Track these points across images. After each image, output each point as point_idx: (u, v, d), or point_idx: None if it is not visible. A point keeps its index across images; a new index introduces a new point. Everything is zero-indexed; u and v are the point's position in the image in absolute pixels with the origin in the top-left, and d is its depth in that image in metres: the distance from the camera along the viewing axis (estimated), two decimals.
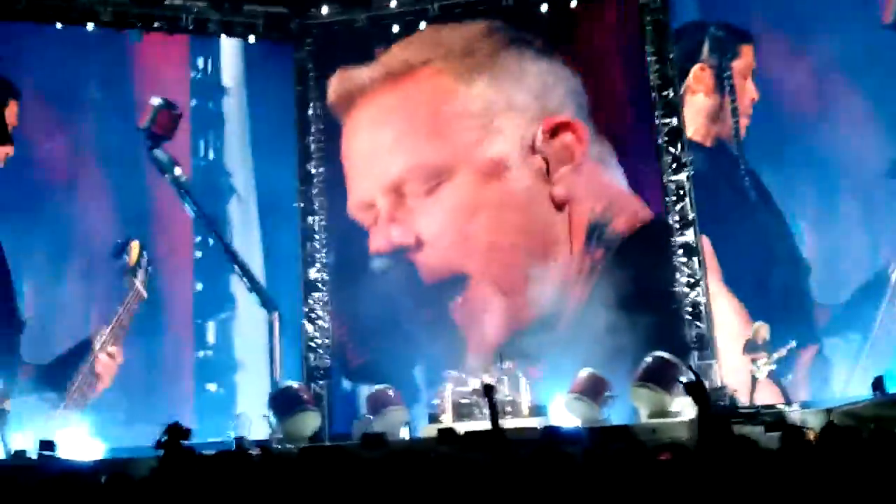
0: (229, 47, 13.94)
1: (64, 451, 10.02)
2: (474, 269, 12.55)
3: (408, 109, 13.28)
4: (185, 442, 8.19)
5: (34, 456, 9.66)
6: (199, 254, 13.29)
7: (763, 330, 11.18)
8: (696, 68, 12.69)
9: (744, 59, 12.40)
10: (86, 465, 9.42)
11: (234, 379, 12.89)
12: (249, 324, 13.14)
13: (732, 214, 12.22)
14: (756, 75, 12.34)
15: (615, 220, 12.45)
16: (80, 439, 11.01)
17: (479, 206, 12.77)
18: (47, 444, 9.72)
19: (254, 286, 13.01)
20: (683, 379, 6.65)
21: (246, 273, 13.04)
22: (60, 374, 11.98)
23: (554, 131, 12.78)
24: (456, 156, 12.91)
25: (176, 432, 8.38)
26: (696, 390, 4.89)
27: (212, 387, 12.69)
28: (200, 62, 13.82)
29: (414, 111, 13.25)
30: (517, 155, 12.79)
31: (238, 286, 13.20)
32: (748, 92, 12.32)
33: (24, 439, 10.29)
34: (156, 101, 13.06)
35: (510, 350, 11.44)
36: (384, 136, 13.26)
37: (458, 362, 11.86)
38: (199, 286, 13.18)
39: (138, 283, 12.62)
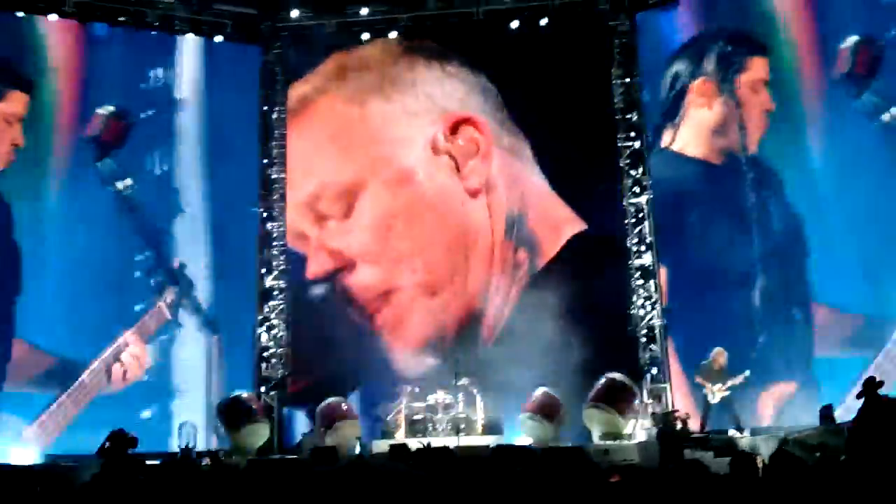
0: (190, 50, 13.60)
1: (3, 456, 9.65)
2: (404, 280, 12.82)
3: (312, 135, 13.53)
4: (131, 450, 7.99)
5: None
6: (139, 273, 12.64)
7: (721, 357, 11.31)
8: (697, 82, 12.65)
9: (753, 72, 12.31)
10: (20, 470, 9.10)
11: (171, 406, 12.23)
12: (192, 346, 12.61)
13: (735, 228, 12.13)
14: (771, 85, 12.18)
15: (530, 213, 12.76)
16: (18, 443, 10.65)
17: (395, 216, 13.04)
18: None
19: (195, 308, 12.49)
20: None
21: (187, 294, 12.56)
22: None
23: (454, 128, 13.11)
24: (362, 173, 13.12)
25: (120, 440, 8.15)
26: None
27: (146, 413, 12.04)
28: (159, 72, 13.34)
29: (317, 135, 13.50)
30: (423, 158, 13.10)
31: (184, 307, 12.72)
32: (760, 103, 12.27)
33: None
34: (104, 109, 12.53)
35: (465, 366, 11.38)
36: (299, 161, 13.54)
37: (390, 376, 12.06)
38: (138, 307, 12.51)
39: (162, 303, 12.38)
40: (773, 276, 11.74)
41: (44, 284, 11.91)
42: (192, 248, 12.97)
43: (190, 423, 11.07)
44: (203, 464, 9.36)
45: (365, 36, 13.49)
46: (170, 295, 12.54)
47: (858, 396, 7.94)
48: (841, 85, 11.52)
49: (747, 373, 10.90)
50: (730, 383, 10.89)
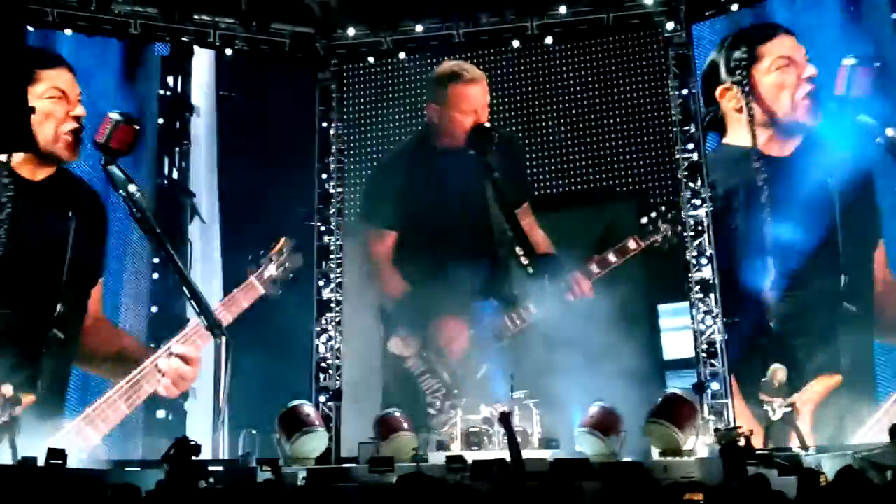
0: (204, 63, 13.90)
1: (72, 460, 9.97)
2: None
3: None
4: (194, 457, 8.20)
5: (42, 463, 9.61)
6: (156, 275, 12.92)
7: (780, 372, 11.03)
8: (717, 94, 12.75)
9: (766, 58, 12.42)
10: (92, 475, 9.39)
11: (185, 406, 12.47)
12: (206, 349, 12.67)
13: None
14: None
15: None
16: (88, 449, 10.99)
17: None
18: (56, 453, 9.68)
19: (202, 310, 12.36)
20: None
21: (194, 296, 12.45)
22: None
23: None
24: None
25: (184, 447, 8.38)
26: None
27: (161, 413, 12.24)
28: (170, 80, 13.66)
29: None
30: None
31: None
32: (779, 82, 12.29)
33: (33, 447, 10.25)
34: (114, 115, 12.72)
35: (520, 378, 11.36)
36: None
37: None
38: (154, 309, 12.86)
39: (253, 277, 12.46)
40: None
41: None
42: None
43: (250, 430, 11.25)
44: (262, 470, 9.53)
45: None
46: (271, 267, 12.52)
47: None
48: None
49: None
50: (791, 399, 10.61)
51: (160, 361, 12.25)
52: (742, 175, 12.56)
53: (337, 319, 13.33)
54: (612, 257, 12.57)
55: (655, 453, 10.57)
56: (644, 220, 12.54)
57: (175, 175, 13.59)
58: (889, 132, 11.44)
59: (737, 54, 12.61)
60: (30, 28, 12.58)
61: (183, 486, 7.54)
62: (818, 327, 11.62)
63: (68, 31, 13.12)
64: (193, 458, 8.38)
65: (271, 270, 12.79)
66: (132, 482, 5.95)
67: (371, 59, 14.19)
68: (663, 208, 12.64)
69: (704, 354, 11.89)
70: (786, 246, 11.91)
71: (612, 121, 13.41)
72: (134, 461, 10.72)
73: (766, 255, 12.08)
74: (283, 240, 12.85)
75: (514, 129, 13.69)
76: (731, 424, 11.15)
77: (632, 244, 12.55)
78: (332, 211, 13.72)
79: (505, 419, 5.17)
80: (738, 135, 12.78)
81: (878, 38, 11.84)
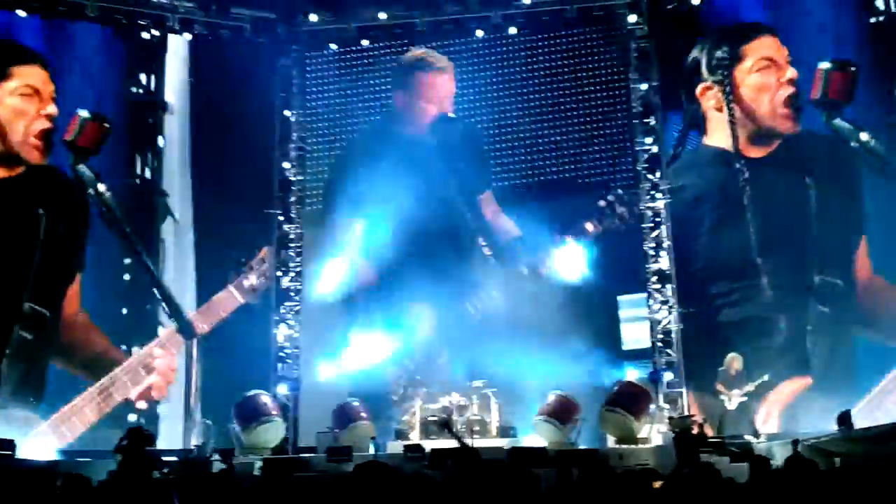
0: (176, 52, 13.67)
1: (22, 451, 9.76)
2: None
3: None
4: (148, 447, 8.08)
5: None
6: (126, 277, 12.76)
7: (736, 362, 11.24)
8: (698, 91, 12.90)
9: (749, 58, 12.60)
10: (42, 466, 9.20)
11: (157, 409, 12.29)
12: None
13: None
14: None
15: None
16: (38, 439, 10.76)
17: None
18: (5, 443, 9.47)
19: (172, 312, 12.17)
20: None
21: (165, 297, 12.23)
22: None
23: None
24: None
25: (137, 437, 8.24)
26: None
27: (132, 417, 11.88)
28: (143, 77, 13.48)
29: None
30: None
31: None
32: (760, 84, 12.48)
33: None
34: (83, 113, 12.30)
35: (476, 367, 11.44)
36: None
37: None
38: (125, 310, 12.69)
39: (232, 286, 12.33)
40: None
41: None
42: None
43: (206, 421, 11.12)
44: (214, 460, 9.44)
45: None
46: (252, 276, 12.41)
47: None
48: None
49: (765, 377, 10.86)
50: (746, 389, 10.84)
51: (157, 361, 11.99)
52: (721, 176, 12.73)
53: (296, 308, 13.21)
54: (570, 240, 12.62)
55: (611, 441, 10.72)
56: (602, 202, 12.63)
57: (148, 174, 13.41)
58: (863, 136, 11.67)
59: (719, 53, 12.71)
60: None
61: (135, 477, 7.43)
62: (789, 326, 11.85)
63: (21, 12, 12.75)
64: (147, 448, 8.25)
65: (252, 280, 12.62)
66: (83, 472, 5.85)
67: (334, 47, 14.05)
68: (620, 192, 12.74)
69: (660, 344, 12.08)
70: (762, 243, 12.11)
71: (574, 112, 13.49)
72: (86, 451, 10.51)
73: (739, 253, 12.25)
74: (264, 249, 12.66)
75: (477, 118, 13.69)
76: (685, 413, 11.35)
77: (589, 227, 12.63)
78: (291, 199, 13.57)
79: (446, 426, 5.21)
80: (718, 135, 12.96)
81: (854, 41, 12.06)
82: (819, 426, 10.02)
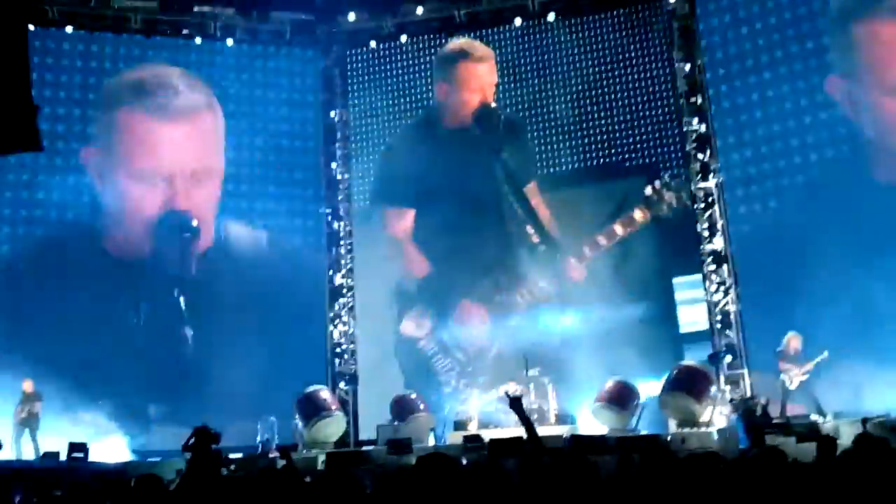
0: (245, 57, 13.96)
1: (94, 454, 10.10)
2: None
3: None
4: (214, 445, 8.26)
5: (64, 458, 9.75)
6: None
7: (794, 340, 11.00)
8: None
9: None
10: (114, 468, 9.50)
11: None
12: None
13: None
14: None
15: None
16: (108, 441, 11.12)
17: None
18: (78, 447, 9.80)
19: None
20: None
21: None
22: None
23: None
24: None
25: (204, 435, 8.43)
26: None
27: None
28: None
29: None
30: None
31: None
32: None
33: (55, 442, 10.39)
34: None
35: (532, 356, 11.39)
36: None
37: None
38: None
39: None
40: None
41: None
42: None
43: (270, 418, 11.34)
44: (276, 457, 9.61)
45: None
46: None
47: None
48: None
49: (825, 354, 10.60)
50: (806, 368, 10.60)
51: None
52: None
53: (350, 305, 13.38)
54: (618, 229, 12.51)
55: (672, 425, 10.58)
56: (648, 190, 12.46)
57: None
58: None
59: None
60: (31, 27, 12.61)
61: (204, 475, 7.61)
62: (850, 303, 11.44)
63: (69, 29, 13.14)
64: (213, 446, 8.44)
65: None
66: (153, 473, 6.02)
67: (373, 44, 14.14)
68: (667, 177, 12.55)
69: (719, 325, 11.87)
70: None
71: (618, 95, 13.31)
72: (153, 452, 10.83)
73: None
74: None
75: (519, 107, 13.63)
76: (748, 394, 11.15)
77: (638, 214, 12.47)
78: (339, 197, 13.73)
79: (515, 404, 5.18)
80: None
81: None
82: (887, 403, 9.73)
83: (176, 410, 11.85)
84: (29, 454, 10.37)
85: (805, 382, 10.81)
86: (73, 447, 9.76)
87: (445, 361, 12.65)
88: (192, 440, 8.40)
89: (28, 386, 10.80)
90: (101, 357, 12.04)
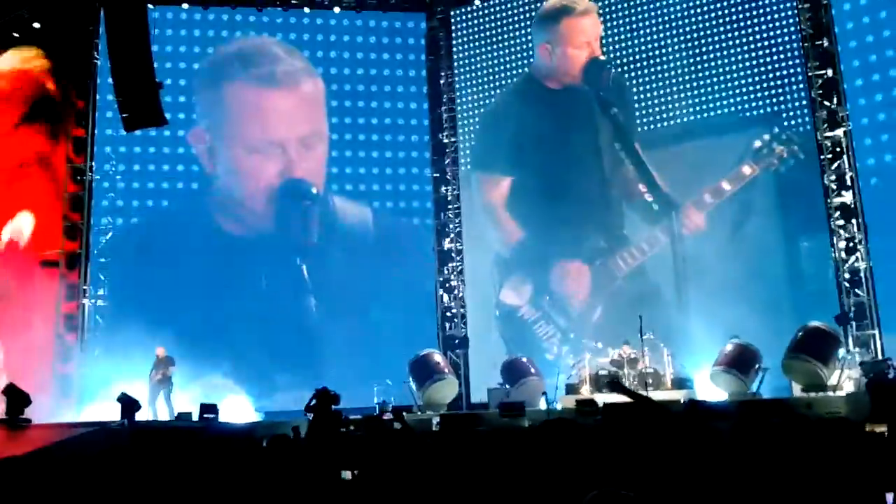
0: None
1: (224, 415, 10.66)
2: None
3: None
4: (334, 406, 8.56)
5: (196, 418, 10.33)
6: None
7: None
8: None
9: None
10: (243, 428, 9.99)
11: None
12: None
13: None
14: None
15: None
16: (235, 403, 11.72)
17: None
18: (209, 408, 10.36)
19: None
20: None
21: None
22: None
23: None
24: None
25: (325, 397, 8.75)
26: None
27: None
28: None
29: None
30: None
31: None
32: None
33: (187, 403, 11.04)
34: None
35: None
36: None
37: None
38: None
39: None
40: None
41: None
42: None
43: (387, 381, 11.62)
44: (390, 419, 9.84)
45: None
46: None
47: None
48: None
49: None
50: None
51: None
52: None
53: (459, 269, 13.46)
54: (725, 185, 11.94)
55: (797, 389, 10.11)
56: (758, 143, 11.80)
57: None
58: None
59: None
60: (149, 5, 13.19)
61: (325, 434, 7.90)
62: None
63: (185, 5, 13.63)
64: (333, 407, 8.74)
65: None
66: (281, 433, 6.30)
67: (477, 2, 13.95)
68: (776, 129, 11.84)
69: (847, 284, 11.20)
70: None
71: (736, 42, 12.58)
72: (277, 412, 11.33)
73: None
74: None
75: (627, 60, 13.13)
76: (879, 357, 10.50)
77: (746, 169, 11.86)
78: (447, 161, 13.75)
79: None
80: None
81: None
82: None
83: (297, 374, 12.33)
84: (164, 415, 11.06)
85: None
86: (205, 408, 10.32)
87: (547, 328, 12.53)
88: (314, 401, 8.74)
89: (161, 351, 11.48)
90: (228, 324, 12.66)
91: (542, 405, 10.50)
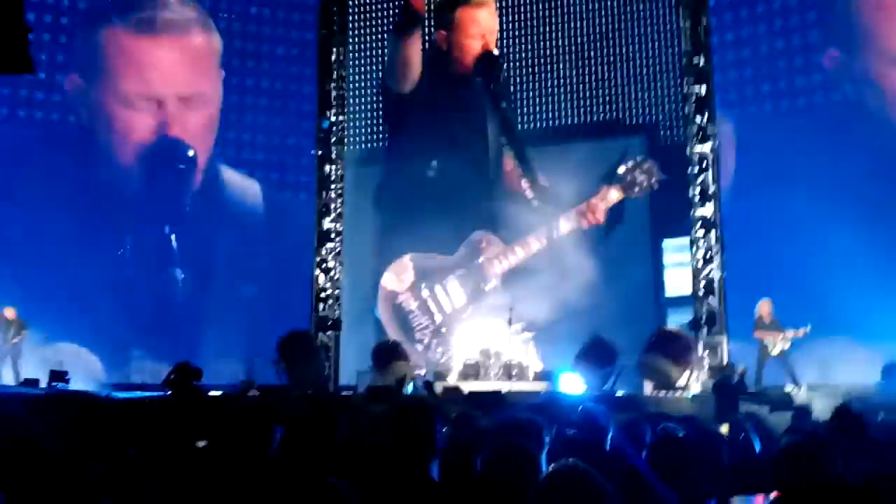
0: None
1: (74, 383, 10.14)
2: None
3: None
4: (195, 382, 8.30)
5: (44, 385, 9.79)
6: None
7: (765, 306, 11.06)
8: None
9: None
10: (94, 396, 9.54)
11: None
12: None
13: None
14: None
15: None
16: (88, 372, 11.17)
17: None
18: (58, 375, 9.83)
19: None
20: None
21: None
22: None
23: None
24: None
25: (184, 372, 8.47)
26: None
27: None
28: None
29: None
30: None
31: None
32: None
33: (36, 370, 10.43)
34: None
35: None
36: None
37: None
38: None
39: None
40: None
41: None
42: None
43: (253, 358, 11.40)
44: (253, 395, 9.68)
45: None
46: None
47: None
48: None
49: (808, 328, 10.69)
50: (791, 335, 10.70)
51: None
52: None
53: (337, 250, 13.33)
54: (596, 202, 12.24)
55: (649, 388, 10.70)
56: (621, 169, 12.29)
57: None
58: None
59: None
60: None
61: (184, 408, 7.66)
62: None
63: None
64: (193, 382, 8.47)
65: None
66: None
67: None
68: (639, 158, 12.36)
69: (702, 292, 11.93)
70: None
71: (624, 50, 13.09)
72: (133, 385, 10.90)
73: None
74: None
75: (521, 56, 13.37)
76: (724, 361, 11.27)
77: (613, 194, 12.27)
78: (333, 140, 13.55)
79: (428, 387, 5.25)
80: None
81: None
82: (856, 380, 9.87)
83: (158, 348, 11.89)
84: (8, 380, 10.41)
85: (785, 351, 10.92)
86: (54, 375, 9.79)
87: (422, 319, 12.61)
88: (173, 376, 8.44)
89: (10, 313, 10.77)
90: (84, 287, 11.98)
91: (411, 390, 10.60)
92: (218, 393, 10.09)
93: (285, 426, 4.90)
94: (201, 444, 4.54)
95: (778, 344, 10.84)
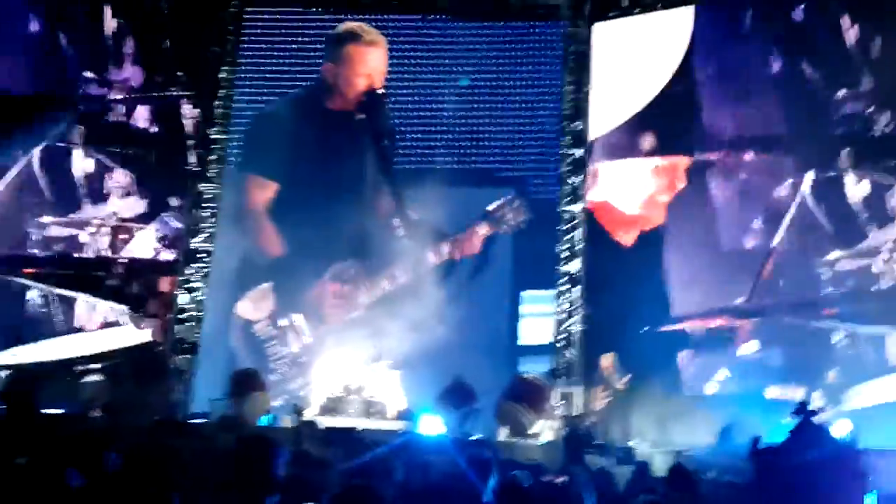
0: None
1: None
2: None
3: None
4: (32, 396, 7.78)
5: None
6: None
7: (605, 360, 11.56)
8: None
9: None
10: None
11: None
12: None
13: None
14: None
15: None
16: None
17: None
18: None
19: None
20: None
21: None
22: None
23: None
24: None
25: (21, 383, 7.93)
26: None
27: None
28: None
29: None
30: None
31: None
32: None
33: None
34: None
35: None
36: None
37: None
38: None
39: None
40: None
41: None
42: None
43: (95, 378, 10.80)
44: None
45: None
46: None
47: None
48: None
49: (626, 379, 11.22)
50: (611, 388, 11.19)
51: None
52: None
53: (205, 271, 12.91)
54: (461, 238, 12.55)
55: (502, 433, 10.88)
56: (491, 207, 12.70)
57: None
58: None
59: None
60: None
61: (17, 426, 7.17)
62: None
63: None
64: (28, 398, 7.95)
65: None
66: None
67: (272, 7, 13.74)
68: (509, 196, 12.82)
69: (560, 343, 12.38)
70: None
71: (505, 106, 13.56)
72: None
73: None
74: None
75: (404, 99, 13.58)
76: (577, 412, 11.68)
77: (482, 229, 12.62)
78: (212, 157, 13.22)
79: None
80: None
81: None
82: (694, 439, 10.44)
83: None
84: None
85: (613, 406, 11.36)
86: None
87: (279, 349, 12.35)
88: (8, 388, 7.91)
89: None
90: None
91: (264, 422, 10.32)
92: (59, 411, 9.51)
93: (123, 454, 4.67)
94: (21, 461, 4.28)
95: (599, 399, 11.29)
